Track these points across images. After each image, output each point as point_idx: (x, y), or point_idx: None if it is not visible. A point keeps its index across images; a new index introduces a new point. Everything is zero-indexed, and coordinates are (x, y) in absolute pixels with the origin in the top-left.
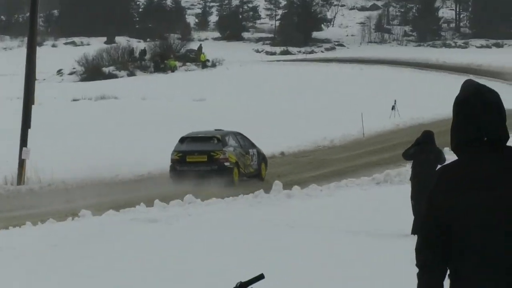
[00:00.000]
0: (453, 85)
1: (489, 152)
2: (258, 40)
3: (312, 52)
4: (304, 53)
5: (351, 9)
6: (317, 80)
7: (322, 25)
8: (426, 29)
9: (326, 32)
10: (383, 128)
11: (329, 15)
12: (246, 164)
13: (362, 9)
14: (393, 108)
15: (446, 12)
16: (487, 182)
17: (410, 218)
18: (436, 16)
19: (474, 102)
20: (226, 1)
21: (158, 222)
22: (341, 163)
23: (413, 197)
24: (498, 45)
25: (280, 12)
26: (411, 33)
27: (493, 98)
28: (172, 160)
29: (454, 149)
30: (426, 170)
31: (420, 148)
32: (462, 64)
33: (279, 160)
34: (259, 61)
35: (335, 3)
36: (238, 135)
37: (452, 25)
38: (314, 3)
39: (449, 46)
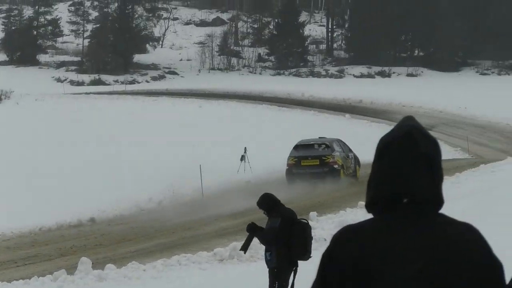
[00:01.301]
0: (324, 126)
1: (409, 219)
2: (59, 65)
3: (133, 82)
4: (123, 83)
5: (186, 23)
6: (141, 121)
7: (148, 46)
8: (288, 52)
9: (152, 55)
10: (229, 185)
11: (156, 32)
12: (347, 166)
13: (202, 24)
14: (242, 158)
15: (315, 30)
16: (398, 259)
17: None
18: (301, 35)
19: (399, 150)
20: (16, 11)
21: None
22: (172, 232)
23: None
24: (383, 74)
25: (89, 27)
26: (267, 57)
27: (426, 149)
28: (289, 164)
29: (367, 207)
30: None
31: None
32: (337, 100)
33: (88, 228)
34: (61, 94)
35: (165, 15)
36: (340, 142)
37: (323, 46)
38: (136, 16)
39: (318, 75)
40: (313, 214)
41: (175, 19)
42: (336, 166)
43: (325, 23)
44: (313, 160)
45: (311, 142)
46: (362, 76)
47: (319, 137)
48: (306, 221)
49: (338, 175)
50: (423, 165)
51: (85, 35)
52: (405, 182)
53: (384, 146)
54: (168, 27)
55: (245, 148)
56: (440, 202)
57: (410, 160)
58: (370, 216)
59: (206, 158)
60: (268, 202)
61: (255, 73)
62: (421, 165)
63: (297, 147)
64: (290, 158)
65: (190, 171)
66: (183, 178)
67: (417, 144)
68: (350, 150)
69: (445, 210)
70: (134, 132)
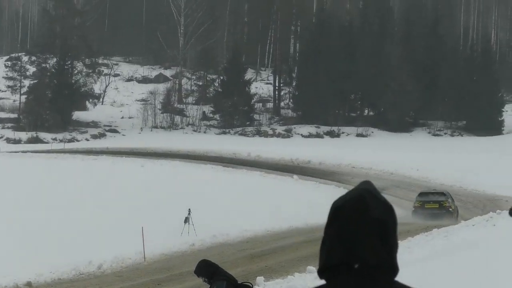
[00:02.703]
0: (269, 188)
1: (361, 285)
2: None
3: (73, 140)
4: (62, 141)
5: (128, 80)
6: (79, 181)
7: (88, 103)
8: (234, 111)
9: (93, 113)
10: (172, 248)
11: (97, 88)
12: (454, 209)
13: (144, 80)
14: (186, 220)
15: (262, 87)
16: None
17: None
18: (247, 93)
19: (349, 215)
20: None
21: None
22: None
23: None
24: (332, 134)
25: (27, 82)
26: (212, 115)
27: (378, 214)
28: (415, 206)
29: (319, 273)
30: None
31: None
32: (285, 160)
33: None
34: None
35: (105, 71)
36: (447, 192)
37: (270, 105)
38: (76, 71)
39: (265, 134)
40: (260, 279)
41: (116, 75)
42: (450, 209)
43: (272, 81)
44: (434, 204)
45: (431, 191)
46: (310, 135)
47: (433, 189)
48: (250, 285)
49: (452, 215)
50: (374, 231)
51: (22, 91)
52: (353, 248)
53: (335, 211)
54: (109, 83)
55: (189, 209)
56: (394, 269)
57: (360, 225)
58: (322, 282)
59: (148, 220)
60: (208, 269)
61: (199, 131)
62: (371, 230)
63: (421, 194)
64: (417, 202)
65: (132, 233)
66: (125, 241)
67: (368, 209)
68: (453, 199)
69: (398, 277)
70: (72, 192)
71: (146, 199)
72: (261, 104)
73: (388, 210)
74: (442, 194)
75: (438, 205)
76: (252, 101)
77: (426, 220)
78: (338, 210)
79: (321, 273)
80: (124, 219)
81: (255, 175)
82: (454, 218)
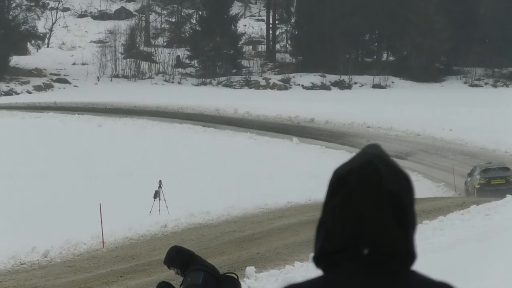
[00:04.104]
0: (262, 154)
1: (370, 277)
2: None
3: (10, 92)
4: None
5: (80, 16)
6: (20, 145)
7: (29, 45)
8: (216, 55)
9: (36, 58)
10: (138, 231)
11: (41, 26)
12: None
13: (101, 16)
14: (156, 195)
15: (252, 26)
16: None
17: None
18: (233, 32)
19: (355, 185)
20: None
21: None
22: None
23: None
24: (341, 85)
25: None
26: (189, 61)
27: (392, 185)
28: (480, 184)
29: (315, 260)
30: None
31: None
32: (281, 118)
33: None
34: None
35: (51, 4)
36: None
37: (262, 48)
38: (13, 5)
39: (256, 85)
40: (250, 269)
41: (65, 9)
42: None
43: (264, 17)
44: (500, 180)
45: (494, 166)
46: (313, 87)
47: (487, 162)
48: (235, 276)
49: None
50: (388, 206)
51: None
52: (361, 228)
53: (338, 181)
54: (56, 20)
55: (160, 181)
56: (412, 256)
57: (370, 198)
58: (320, 272)
59: (108, 195)
60: (182, 257)
61: (172, 82)
62: (384, 205)
63: (485, 170)
64: (482, 179)
65: (86, 211)
66: (78, 222)
67: (380, 178)
68: None
69: (421, 266)
70: (7, 160)
71: (105, 169)
72: (250, 47)
73: (404, 180)
74: (507, 168)
75: (504, 181)
76: (240, 43)
77: (493, 197)
78: (342, 179)
79: (318, 261)
80: (77, 194)
81: (244, 138)
82: None
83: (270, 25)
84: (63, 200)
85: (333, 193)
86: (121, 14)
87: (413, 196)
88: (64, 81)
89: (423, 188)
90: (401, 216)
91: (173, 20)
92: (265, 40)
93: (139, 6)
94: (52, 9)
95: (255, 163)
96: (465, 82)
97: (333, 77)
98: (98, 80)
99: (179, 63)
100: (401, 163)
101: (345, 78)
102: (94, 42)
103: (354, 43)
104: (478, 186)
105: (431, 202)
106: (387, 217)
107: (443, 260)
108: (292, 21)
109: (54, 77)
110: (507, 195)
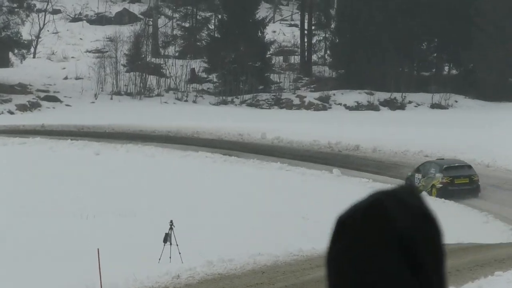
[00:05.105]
0: (295, 188)
1: None
2: None
3: None
4: None
5: (74, 20)
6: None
7: (12, 55)
8: (240, 68)
9: (20, 70)
10: (146, 283)
11: (26, 32)
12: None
13: (99, 21)
14: (166, 239)
15: (283, 32)
16: None
17: None
18: (260, 40)
19: (359, 229)
20: None
21: None
22: None
23: None
24: (393, 105)
25: None
26: (206, 75)
27: (403, 227)
28: (443, 183)
29: None
30: None
31: None
32: (319, 145)
33: None
34: None
35: (38, 6)
36: None
37: (295, 59)
38: None
39: (288, 105)
40: None
41: (55, 12)
42: (479, 183)
43: (298, 22)
44: (464, 179)
45: (455, 164)
46: (358, 107)
47: (438, 158)
48: None
49: (478, 192)
50: (396, 253)
51: None
52: (365, 282)
53: (339, 227)
54: (44, 25)
55: (171, 222)
56: None
57: (376, 244)
58: None
59: (107, 239)
60: None
61: (186, 100)
62: (393, 252)
63: (447, 168)
64: (445, 177)
65: (81, 258)
66: (71, 270)
67: (388, 218)
68: None
69: None
70: None
71: (103, 206)
72: (281, 58)
73: (421, 220)
74: (469, 166)
75: (469, 180)
76: (268, 53)
77: (455, 199)
78: (343, 225)
79: None
80: (70, 236)
81: (273, 169)
82: (478, 194)
83: (305, 32)
84: (52, 244)
85: (333, 243)
86: (124, 17)
87: (437, 240)
88: (54, 99)
89: (495, 231)
90: (417, 265)
91: (187, 25)
92: (299, 50)
93: (145, 8)
94: (39, 11)
95: (287, 200)
96: None
97: (382, 95)
98: (96, 98)
99: (194, 77)
100: (465, 201)
101: (397, 96)
102: (90, 51)
103: (408, 54)
104: (440, 185)
105: (504, 249)
106: (396, 267)
107: None
108: (332, 26)
109: (42, 94)
110: None
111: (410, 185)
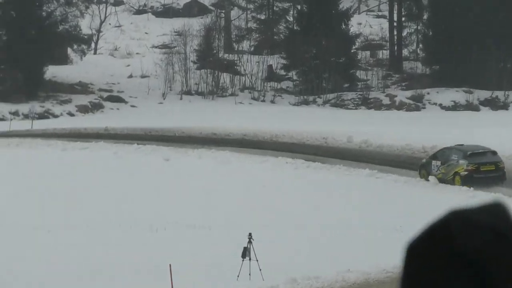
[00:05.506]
0: (388, 197)
1: None
2: None
3: (46, 115)
4: (28, 116)
5: (138, 12)
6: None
7: (71, 51)
8: (322, 65)
9: (80, 68)
10: None
11: (85, 26)
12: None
13: (167, 13)
14: (245, 254)
15: (369, 24)
16: None
17: None
18: (344, 33)
19: (424, 252)
20: None
21: None
22: None
23: None
24: (494, 104)
25: None
26: (285, 73)
27: (468, 247)
28: (468, 170)
29: None
30: None
31: None
32: (412, 149)
33: None
34: None
35: None
36: None
37: (384, 54)
38: None
39: (376, 105)
40: None
41: (117, 3)
42: (505, 170)
43: (386, 13)
44: (490, 166)
45: (480, 150)
46: (456, 106)
47: (458, 144)
48: None
49: (503, 179)
50: (464, 276)
51: None
52: None
53: (407, 252)
54: (106, 18)
55: (250, 235)
56: None
57: (441, 267)
58: None
59: (180, 253)
60: None
61: (263, 100)
62: (459, 275)
63: (472, 154)
64: (470, 164)
65: (150, 274)
66: (143, 286)
67: (453, 239)
68: None
69: None
70: (47, 204)
71: (174, 217)
72: (368, 53)
73: (491, 240)
74: (495, 152)
75: (495, 167)
76: (354, 47)
77: (483, 186)
78: (411, 249)
79: None
80: (138, 250)
81: (361, 176)
82: (503, 181)
83: (395, 24)
84: (119, 260)
85: (403, 268)
86: (193, 9)
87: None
88: (117, 99)
89: None
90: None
91: (263, 17)
92: (388, 44)
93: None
94: (99, 2)
95: (378, 209)
96: None
97: (482, 94)
98: (164, 98)
99: (271, 75)
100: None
101: (500, 94)
102: (156, 47)
103: (511, 47)
104: (465, 173)
105: None
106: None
107: None
108: (425, 17)
109: (105, 94)
110: None
111: (496, 201)
